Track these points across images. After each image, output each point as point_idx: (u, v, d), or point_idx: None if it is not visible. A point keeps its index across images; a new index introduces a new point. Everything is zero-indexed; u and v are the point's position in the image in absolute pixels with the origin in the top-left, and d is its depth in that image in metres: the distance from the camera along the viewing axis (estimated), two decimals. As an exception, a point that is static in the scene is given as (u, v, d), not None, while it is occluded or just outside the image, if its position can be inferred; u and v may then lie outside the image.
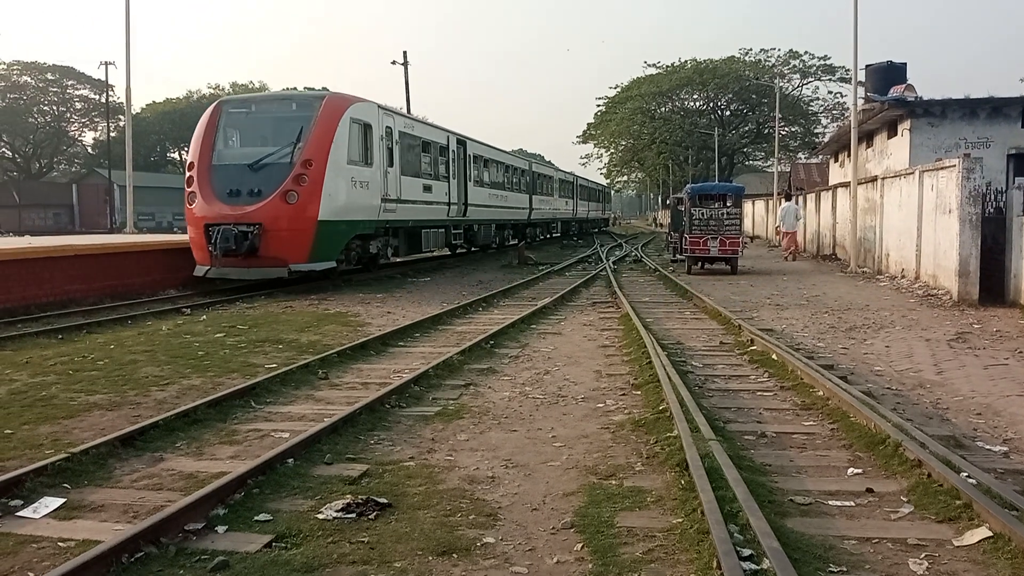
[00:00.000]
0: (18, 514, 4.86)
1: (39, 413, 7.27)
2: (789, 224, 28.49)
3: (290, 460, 5.74)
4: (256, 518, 4.77)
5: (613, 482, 5.43)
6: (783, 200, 31.88)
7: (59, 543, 4.45)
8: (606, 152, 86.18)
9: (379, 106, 19.87)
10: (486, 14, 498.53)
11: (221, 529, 4.62)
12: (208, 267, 17.13)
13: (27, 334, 11.26)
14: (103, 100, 78.65)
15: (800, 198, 33.41)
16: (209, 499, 4.84)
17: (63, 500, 5.05)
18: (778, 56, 70.87)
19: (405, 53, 41.46)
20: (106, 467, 5.72)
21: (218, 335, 11.58)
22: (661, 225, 77.24)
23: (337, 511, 4.84)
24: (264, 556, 4.26)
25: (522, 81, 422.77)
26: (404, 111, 37.16)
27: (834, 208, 27.80)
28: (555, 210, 44.80)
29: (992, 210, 16.01)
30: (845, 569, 4.09)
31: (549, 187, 42.84)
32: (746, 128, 77.32)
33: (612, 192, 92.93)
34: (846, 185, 25.46)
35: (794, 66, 70.45)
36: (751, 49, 74.79)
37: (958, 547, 4.35)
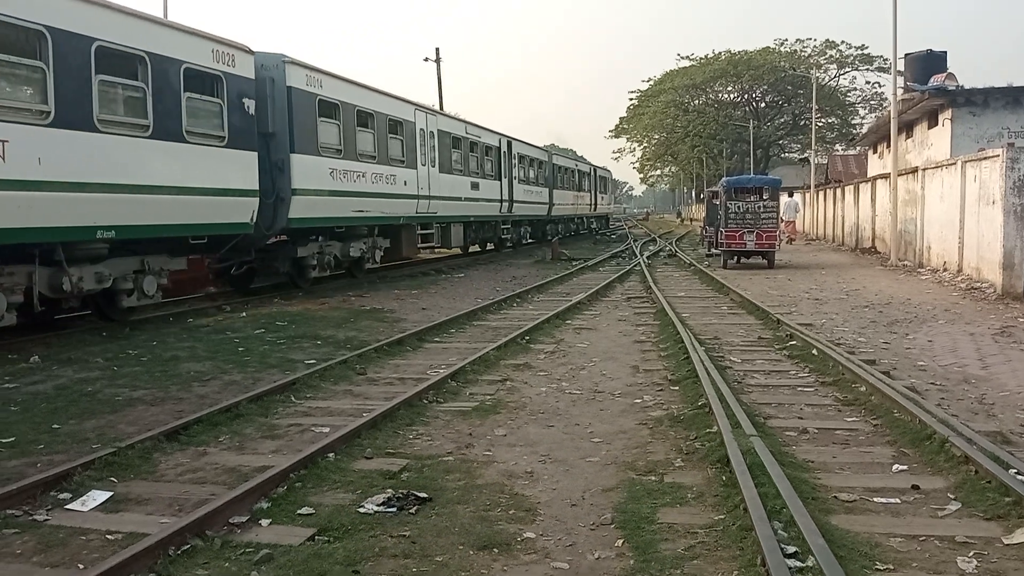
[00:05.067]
0: (67, 507, 4.96)
1: (85, 408, 7.41)
2: (790, 215, 35.64)
3: (331, 454, 5.79)
4: (299, 512, 4.82)
5: (652, 478, 5.40)
6: (786, 196, 38.10)
7: (107, 535, 4.54)
8: (639, 146, 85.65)
9: None
10: (519, 9, 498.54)
11: (265, 522, 4.67)
12: None
13: (72, 332, 11.48)
14: None
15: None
16: (253, 493, 4.90)
17: (110, 493, 5.15)
18: (814, 46, 69.71)
19: (437, 50, 41.21)
20: (151, 461, 5.82)
21: (257, 331, 11.72)
22: (689, 221, 74.95)
23: (378, 505, 4.88)
24: (307, 549, 4.30)
25: (553, 76, 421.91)
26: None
27: (873, 200, 27.36)
28: (460, 201, 24.23)
29: (1038, 201, 15.63)
30: (892, 567, 4.03)
31: (417, 153, 20.80)
32: (782, 120, 76.25)
33: (610, 178, 59.91)
34: (885, 177, 25.04)
35: (831, 56, 69.25)
36: (786, 39, 73.80)
37: (1008, 545, 4.26)
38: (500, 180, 28.77)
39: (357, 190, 17.37)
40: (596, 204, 49.47)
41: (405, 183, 19.93)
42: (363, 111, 17.94)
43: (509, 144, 30.30)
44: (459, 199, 24.17)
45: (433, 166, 21.90)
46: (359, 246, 18.36)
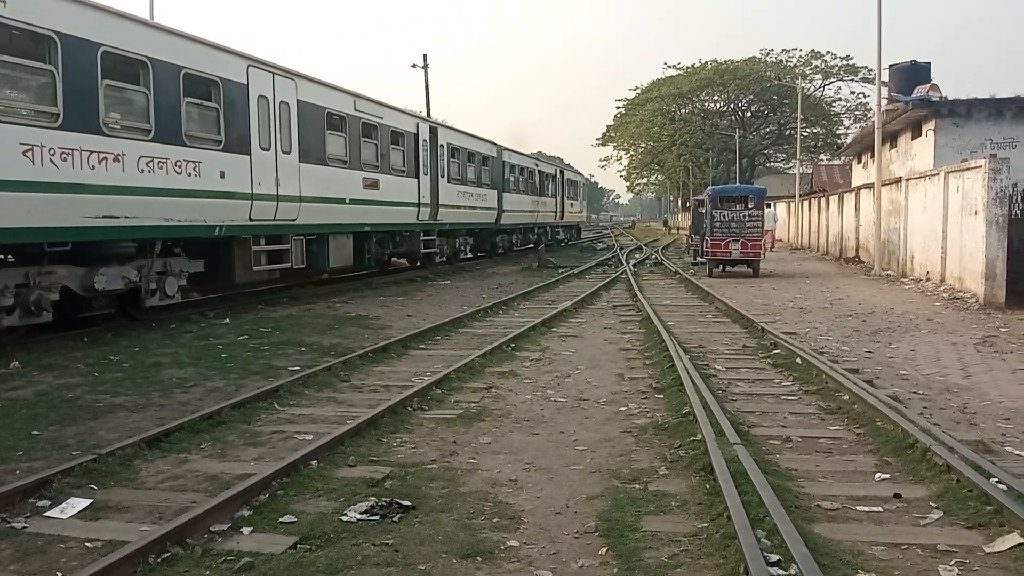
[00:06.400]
0: (46, 514, 4.90)
1: (65, 414, 7.34)
2: (768, 224, 35.26)
3: (314, 462, 5.76)
4: (281, 520, 4.78)
5: (637, 486, 5.40)
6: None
7: (86, 543, 4.49)
8: (625, 154, 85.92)
9: None
10: (504, 16, 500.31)
11: (246, 530, 4.64)
12: None
13: (54, 336, 11.37)
14: None
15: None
16: (234, 500, 4.87)
17: (90, 501, 5.09)
18: (800, 56, 70.21)
19: (425, 56, 41.29)
20: (132, 468, 5.77)
21: (240, 338, 11.65)
22: (676, 229, 74.76)
23: (361, 513, 4.85)
24: (289, 557, 4.27)
25: (540, 84, 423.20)
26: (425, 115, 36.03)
27: (857, 210, 27.56)
28: (343, 204, 17.66)
29: (1019, 212, 15.79)
30: (874, 575, 4.04)
31: (252, 132, 14.30)
32: (767, 129, 76.73)
33: (582, 183, 51.74)
34: (869, 187, 25.23)
35: (816, 66, 69.78)
36: (772, 50, 74.07)
37: (989, 553, 4.28)
38: (418, 177, 21.78)
39: (103, 183, 10.91)
40: (563, 211, 42.19)
41: (223, 175, 13.26)
42: (117, 54, 11.22)
43: (432, 131, 23.24)
44: (342, 201, 17.38)
45: (288, 152, 15.21)
46: (123, 273, 11.79)
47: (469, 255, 29.20)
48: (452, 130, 25.76)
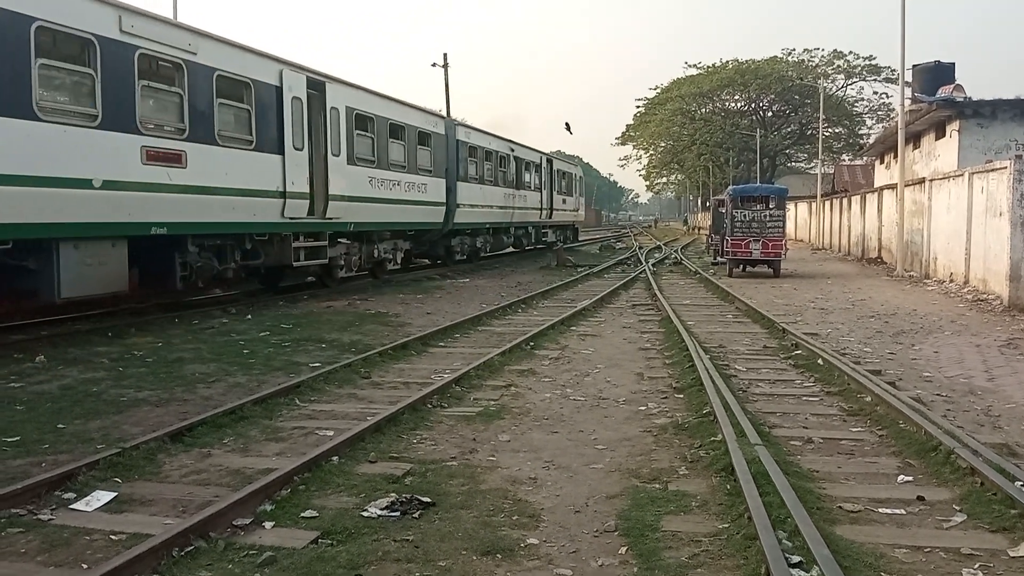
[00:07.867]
0: (71, 507, 4.96)
1: (89, 408, 7.43)
2: None
3: (335, 458, 5.80)
4: (302, 515, 4.82)
5: (656, 486, 5.39)
6: None
7: (111, 536, 4.54)
8: (645, 154, 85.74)
9: None
10: (522, 17, 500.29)
11: (268, 525, 4.67)
12: None
13: (78, 331, 11.51)
14: None
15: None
16: (257, 495, 4.91)
17: (115, 494, 5.15)
18: (822, 56, 69.80)
19: (445, 55, 41.22)
20: (155, 462, 5.83)
21: (262, 334, 11.73)
22: (696, 229, 73.83)
23: (381, 509, 4.88)
24: (310, 552, 4.30)
25: (560, 83, 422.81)
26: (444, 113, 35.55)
27: (880, 211, 27.31)
28: (87, 191, 10.38)
29: (1045, 213, 15.59)
30: (896, 578, 4.02)
31: None
32: (789, 129, 76.29)
33: (577, 176, 41.96)
34: (892, 187, 25.00)
35: (838, 66, 69.31)
36: (794, 49, 73.70)
37: (1013, 557, 4.24)
38: (282, 153, 14.61)
39: None
40: (552, 208, 34.43)
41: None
42: None
43: (316, 86, 15.92)
44: (85, 185, 10.45)
45: None
46: None
47: (396, 263, 21.35)
48: (359, 89, 18.00)
